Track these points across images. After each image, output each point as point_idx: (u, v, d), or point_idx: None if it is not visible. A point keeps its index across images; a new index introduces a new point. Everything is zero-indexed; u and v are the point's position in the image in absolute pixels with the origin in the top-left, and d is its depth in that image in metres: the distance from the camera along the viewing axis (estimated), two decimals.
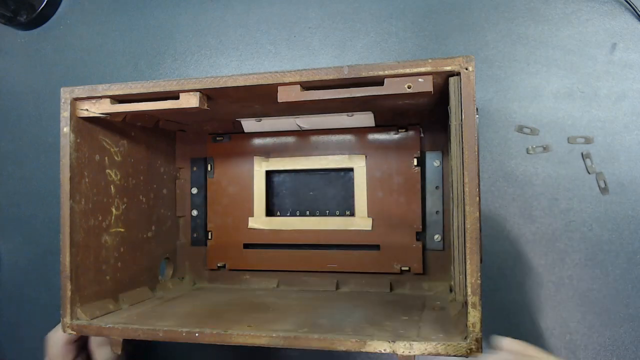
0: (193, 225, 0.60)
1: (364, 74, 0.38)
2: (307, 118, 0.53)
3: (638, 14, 0.51)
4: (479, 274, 0.35)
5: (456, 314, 0.40)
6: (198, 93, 0.42)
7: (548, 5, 0.53)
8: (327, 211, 0.57)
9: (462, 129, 0.36)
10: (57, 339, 0.49)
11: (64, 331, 0.43)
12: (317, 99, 0.40)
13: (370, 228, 0.54)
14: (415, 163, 0.53)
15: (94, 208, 0.46)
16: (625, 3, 0.51)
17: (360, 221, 0.54)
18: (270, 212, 0.58)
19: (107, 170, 0.48)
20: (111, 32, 0.66)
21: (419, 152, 0.53)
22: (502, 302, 0.52)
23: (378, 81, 0.39)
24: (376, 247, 0.54)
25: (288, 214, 0.58)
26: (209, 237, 0.59)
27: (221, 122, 0.58)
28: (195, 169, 0.60)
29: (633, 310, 0.50)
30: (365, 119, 0.52)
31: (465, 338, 0.36)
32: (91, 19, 0.67)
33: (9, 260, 0.68)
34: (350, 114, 0.52)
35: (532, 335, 0.51)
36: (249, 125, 0.56)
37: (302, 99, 0.40)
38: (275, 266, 0.57)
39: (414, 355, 0.36)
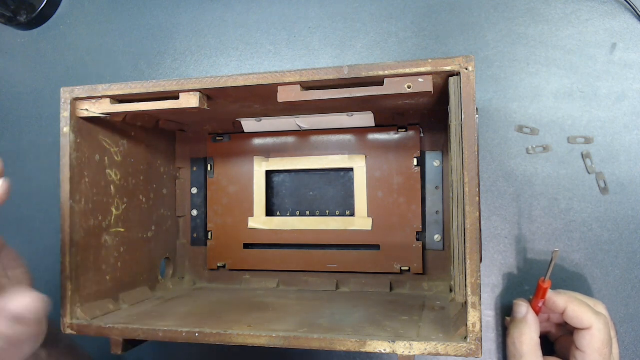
0: (193, 225, 0.60)
1: (364, 74, 0.38)
2: (307, 118, 0.53)
3: (638, 14, 0.51)
4: (479, 274, 0.35)
5: (456, 314, 0.40)
6: (198, 93, 0.42)
7: (548, 5, 0.53)
8: (327, 211, 0.57)
9: (462, 129, 0.36)
10: None
11: (64, 331, 0.43)
12: (317, 99, 0.40)
13: (370, 228, 0.54)
14: (415, 163, 0.53)
15: (94, 208, 0.46)
16: (625, 3, 0.51)
17: (360, 221, 0.54)
18: (270, 212, 0.58)
19: (107, 170, 0.48)
20: (111, 32, 0.66)
21: (419, 152, 0.53)
22: (502, 302, 0.52)
23: (378, 81, 0.39)
24: (376, 247, 0.54)
25: (288, 214, 0.58)
26: (209, 237, 0.59)
27: (221, 122, 0.58)
28: (195, 169, 0.60)
29: (633, 310, 0.50)
30: (365, 119, 0.52)
31: (465, 338, 0.36)
32: (91, 19, 0.67)
33: None
34: (350, 114, 0.52)
35: None
36: (249, 125, 0.56)
37: (302, 99, 0.40)
38: (275, 266, 0.57)
39: (414, 355, 0.36)
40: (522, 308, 0.44)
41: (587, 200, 0.51)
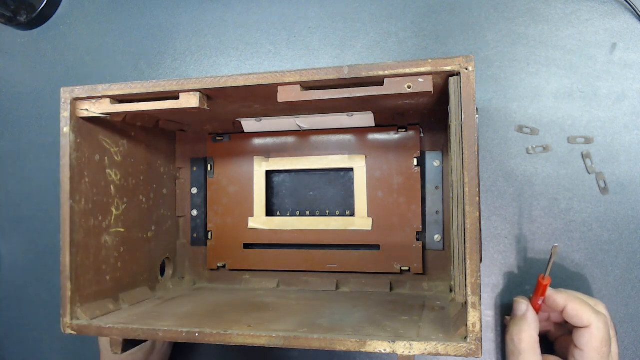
0: (193, 225, 0.60)
1: (364, 74, 0.38)
2: (307, 118, 0.53)
3: (638, 14, 0.51)
4: (479, 274, 0.35)
5: (456, 314, 0.40)
6: (198, 93, 0.42)
7: (548, 5, 0.53)
8: (327, 211, 0.57)
9: (462, 129, 0.36)
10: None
11: (64, 331, 0.43)
12: (317, 99, 0.40)
13: (370, 228, 0.54)
14: (415, 163, 0.53)
15: (94, 208, 0.46)
16: (625, 3, 0.51)
17: (360, 221, 0.54)
18: (270, 212, 0.58)
19: (107, 170, 0.48)
20: (111, 32, 0.66)
21: (419, 152, 0.53)
22: (502, 302, 0.52)
23: (378, 81, 0.39)
24: (376, 247, 0.54)
25: (288, 214, 0.58)
26: (209, 237, 0.59)
27: (221, 122, 0.58)
28: (195, 169, 0.60)
29: (633, 310, 0.50)
30: (365, 119, 0.52)
31: (465, 338, 0.36)
32: (91, 19, 0.67)
33: (9, 260, 0.68)
34: (350, 114, 0.52)
35: None
36: (249, 125, 0.56)
37: (302, 99, 0.40)
38: (275, 266, 0.57)
39: (414, 355, 0.36)
40: (522, 305, 0.44)
41: (587, 200, 0.51)
